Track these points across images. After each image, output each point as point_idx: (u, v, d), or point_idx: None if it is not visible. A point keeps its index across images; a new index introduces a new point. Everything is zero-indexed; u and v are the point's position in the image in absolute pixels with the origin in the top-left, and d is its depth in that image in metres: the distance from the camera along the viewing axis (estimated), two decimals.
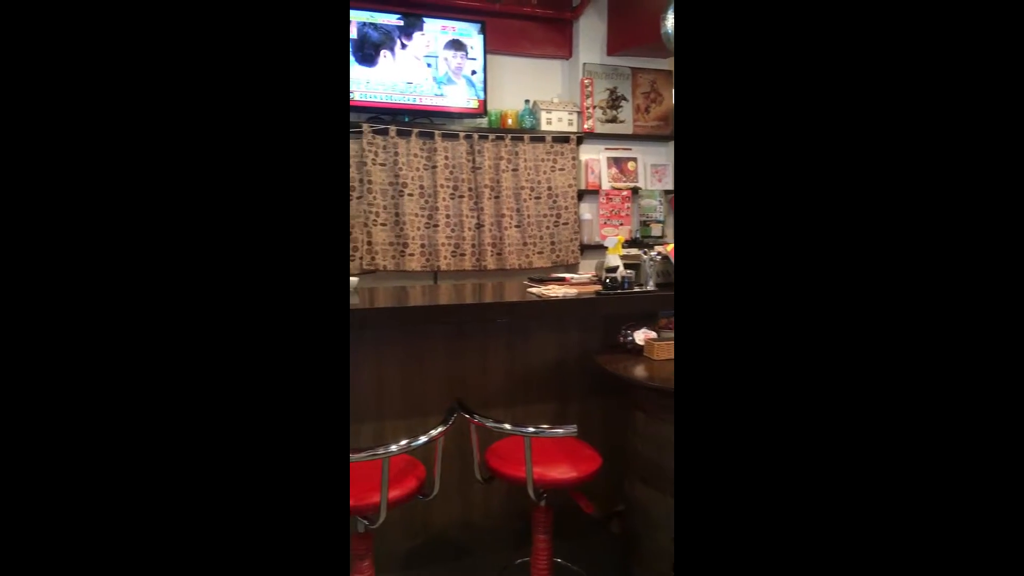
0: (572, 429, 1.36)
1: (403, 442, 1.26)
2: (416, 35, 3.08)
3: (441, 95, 3.14)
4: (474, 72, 3.20)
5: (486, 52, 3.21)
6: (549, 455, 1.52)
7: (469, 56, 3.18)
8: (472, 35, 3.18)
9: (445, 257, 3.18)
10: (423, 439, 1.31)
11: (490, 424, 1.43)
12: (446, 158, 3.16)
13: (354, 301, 1.88)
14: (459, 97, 3.19)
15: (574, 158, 3.40)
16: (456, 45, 3.16)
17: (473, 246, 3.25)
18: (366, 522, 1.31)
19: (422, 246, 3.16)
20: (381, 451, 1.24)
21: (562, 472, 1.46)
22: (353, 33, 2.98)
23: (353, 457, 1.24)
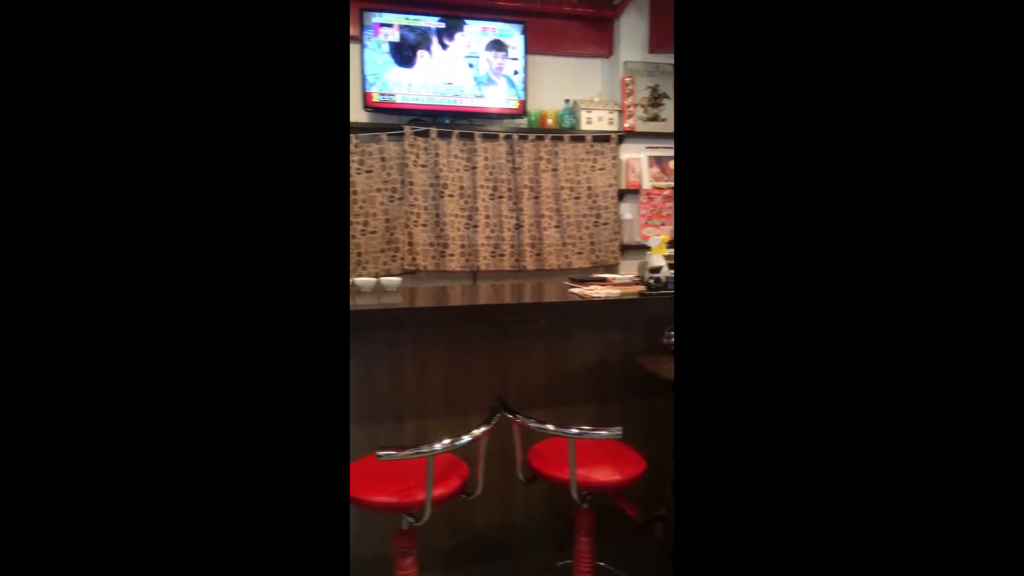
0: (617, 431, 1.34)
1: (447, 441, 1.27)
2: (457, 36, 3.10)
3: (481, 96, 3.16)
4: (516, 72, 3.20)
5: (526, 52, 3.21)
6: (592, 457, 1.50)
7: (510, 56, 3.18)
8: (513, 35, 3.18)
9: (484, 257, 3.19)
10: (467, 438, 1.31)
11: (533, 424, 1.42)
12: (486, 159, 3.17)
13: (396, 300, 1.90)
14: (499, 98, 3.19)
15: (614, 157, 3.37)
16: (497, 45, 3.17)
17: (512, 246, 3.25)
18: (411, 519, 1.32)
19: (462, 246, 3.18)
20: (425, 449, 1.25)
21: (606, 475, 1.44)
22: (395, 36, 3.02)
23: (398, 455, 1.25)
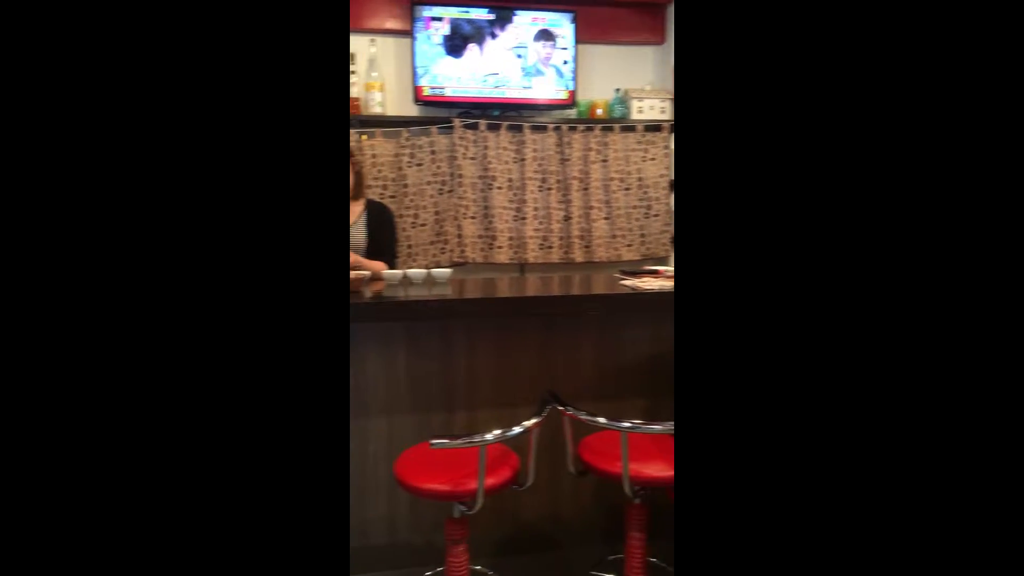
0: (671, 426, 1.31)
1: (499, 431, 1.27)
2: (507, 27, 3.09)
3: (529, 87, 3.14)
4: (565, 62, 3.16)
5: (576, 41, 3.17)
6: (645, 452, 1.47)
7: (559, 46, 3.15)
8: (562, 24, 3.14)
9: (533, 250, 3.18)
10: (518, 429, 1.31)
11: (584, 417, 1.40)
12: (535, 150, 3.16)
13: (446, 291, 1.91)
14: (547, 88, 3.16)
15: (666, 147, 3.29)
16: (545, 35, 3.14)
17: (561, 238, 3.22)
18: (463, 508, 1.33)
19: (510, 239, 3.18)
20: (478, 439, 1.25)
21: (659, 470, 1.41)
22: (445, 30, 3.04)
23: (451, 443, 1.27)
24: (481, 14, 3.06)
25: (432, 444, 1.25)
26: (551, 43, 3.14)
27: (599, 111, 3.27)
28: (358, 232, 2.36)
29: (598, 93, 3.31)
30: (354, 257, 2.19)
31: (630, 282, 2.00)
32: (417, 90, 3.05)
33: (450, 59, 3.05)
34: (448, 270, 2.14)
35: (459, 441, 1.26)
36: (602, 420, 1.39)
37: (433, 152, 3.10)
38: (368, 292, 1.85)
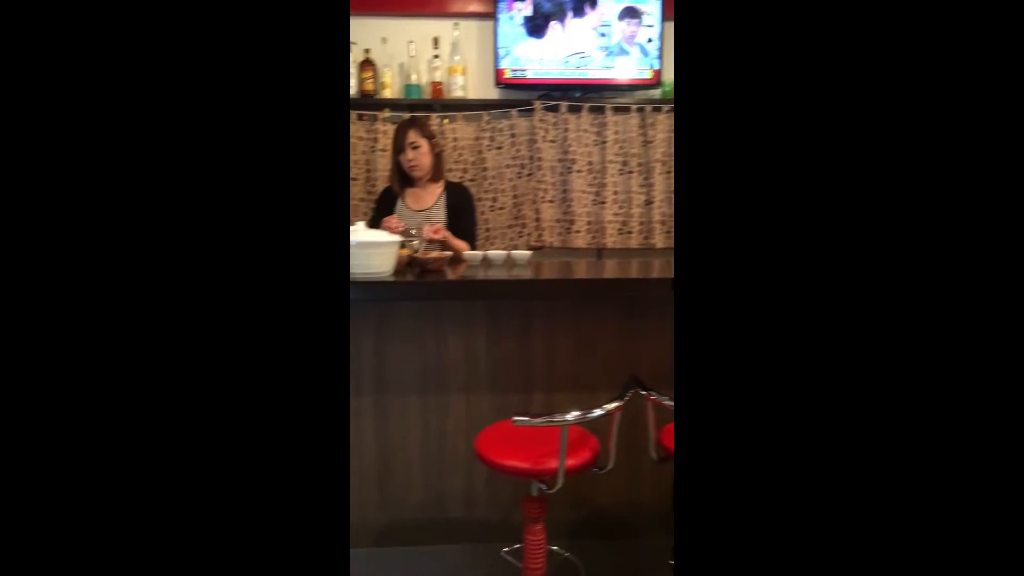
0: None
1: (579, 412, 1.26)
2: (590, 7, 3.02)
3: (611, 67, 3.06)
4: (650, 40, 3.05)
5: (663, 19, 3.05)
6: None
7: (644, 24, 3.04)
8: (648, 1, 3.03)
9: (611, 234, 3.12)
10: (598, 412, 1.29)
11: (668, 403, 1.36)
12: (616, 132, 3.08)
13: (526, 273, 1.91)
14: (631, 68, 3.07)
15: None
16: (631, 13, 3.04)
17: (641, 223, 3.14)
18: (542, 486, 1.33)
19: (588, 223, 3.13)
20: (558, 418, 1.24)
21: None
22: (528, 11, 3.01)
23: (532, 421, 1.27)
24: None
25: (514, 421, 1.25)
26: (636, 20, 3.04)
27: None
28: (437, 212, 2.40)
29: None
30: (439, 231, 2.22)
31: None
32: (498, 73, 3.05)
33: (532, 41, 3.03)
34: (528, 252, 2.14)
35: (541, 419, 1.26)
36: None
37: (513, 135, 3.09)
38: (450, 272, 1.88)
